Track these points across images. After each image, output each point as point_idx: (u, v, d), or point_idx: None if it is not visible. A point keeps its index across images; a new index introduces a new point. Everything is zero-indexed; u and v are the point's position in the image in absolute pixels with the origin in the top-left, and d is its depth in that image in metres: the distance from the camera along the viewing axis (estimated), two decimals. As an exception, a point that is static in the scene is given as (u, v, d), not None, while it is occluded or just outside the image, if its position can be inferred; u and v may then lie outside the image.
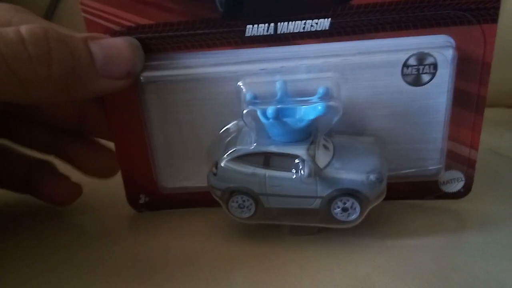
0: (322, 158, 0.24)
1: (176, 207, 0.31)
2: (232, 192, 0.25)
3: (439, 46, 0.26)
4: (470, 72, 0.27)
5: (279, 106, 0.24)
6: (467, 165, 0.29)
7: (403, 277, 0.23)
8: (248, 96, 0.25)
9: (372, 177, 0.24)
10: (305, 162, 0.24)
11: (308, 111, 0.24)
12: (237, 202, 0.25)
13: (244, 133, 0.26)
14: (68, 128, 0.30)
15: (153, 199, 0.31)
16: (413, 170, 0.29)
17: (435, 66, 0.27)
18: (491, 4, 0.25)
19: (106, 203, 0.32)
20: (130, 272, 0.25)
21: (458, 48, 0.26)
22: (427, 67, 0.27)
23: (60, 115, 0.30)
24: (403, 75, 0.27)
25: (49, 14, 0.55)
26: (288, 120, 0.24)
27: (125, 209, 0.31)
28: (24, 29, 0.22)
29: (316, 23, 0.26)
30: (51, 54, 0.22)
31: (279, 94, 0.26)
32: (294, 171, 0.24)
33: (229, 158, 0.25)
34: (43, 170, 0.31)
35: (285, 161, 0.24)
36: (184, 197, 0.30)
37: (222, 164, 0.25)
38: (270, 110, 0.23)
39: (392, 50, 0.26)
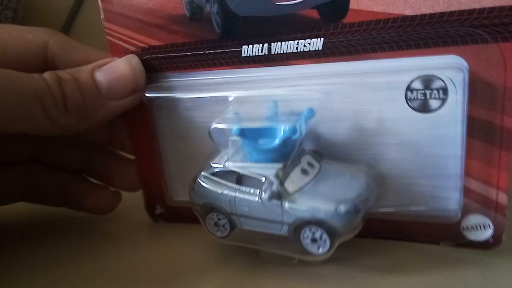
0: (294, 182, 0.23)
1: (187, 221, 0.32)
2: (208, 209, 0.25)
3: (448, 68, 0.23)
4: (489, 100, 0.23)
5: (245, 126, 0.23)
6: (495, 210, 0.24)
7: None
8: (229, 113, 0.25)
9: (341, 207, 0.22)
10: (268, 184, 0.23)
11: (276, 133, 0.23)
12: (213, 219, 0.25)
13: (229, 150, 0.26)
14: (98, 145, 0.33)
15: (166, 211, 0.32)
16: (425, 208, 0.25)
17: (444, 90, 0.23)
18: (509, 19, 0.21)
19: (131, 210, 0.34)
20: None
21: (471, 71, 0.23)
22: (435, 91, 0.23)
23: (92, 132, 0.32)
24: (408, 100, 0.24)
25: (66, 28, 0.61)
26: (258, 140, 0.24)
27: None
28: (47, 76, 0.26)
29: (309, 43, 0.25)
30: (65, 95, 0.26)
31: (269, 114, 0.25)
32: (257, 192, 0.23)
33: (205, 174, 0.25)
34: (79, 182, 0.33)
35: (255, 181, 0.23)
36: (191, 212, 0.31)
37: (198, 180, 0.25)
38: (235, 128, 0.23)
39: (393, 71, 0.24)
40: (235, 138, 0.24)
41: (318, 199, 0.22)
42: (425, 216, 0.26)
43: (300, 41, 0.25)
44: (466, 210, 0.25)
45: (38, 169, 0.32)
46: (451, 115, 0.24)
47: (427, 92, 0.24)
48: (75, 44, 0.30)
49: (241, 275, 0.25)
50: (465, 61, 0.23)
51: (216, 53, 0.27)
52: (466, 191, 0.25)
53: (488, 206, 0.24)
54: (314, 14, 0.24)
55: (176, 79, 0.28)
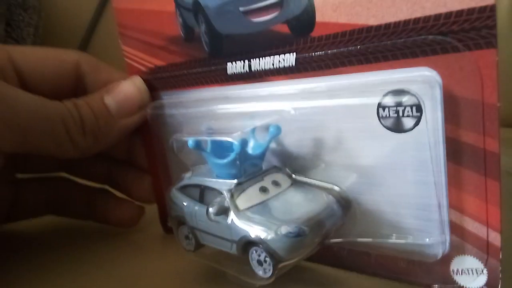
0: (248, 200, 0.22)
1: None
2: (179, 221, 0.25)
3: (418, 82, 0.20)
4: (467, 118, 0.19)
5: (200, 138, 0.23)
6: (487, 252, 0.20)
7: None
8: (202, 127, 0.26)
9: (282, 229, 0.20)
10: (220, 198, 0.22)
11: (230, 147, 0.23)
12: (183, 232, 0.25)
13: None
14: (120, 159, 0.35)
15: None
16: (403, 241, 0.22)
17: (418, 107, 0.20)
18: (480, 23, 0.18)
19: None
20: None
21: (445, 84, 0.20)
22: (408, 108, 0.21)
23: (113, 149, 0.34)
24: (380, 118, 0.22)
25: (83, 46, 0.63)
26: (215, 153, 0.23)
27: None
28: (67, 102, 0.28)
29: (284, 59, 0.24)
30: (83, 119, 0.28)
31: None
32: (207, 207, 0.23)
33: (176, 186, 0.25)
34: (104, 196, 0.34)
35: (212, 196, 0.23)
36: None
37: (170, 192, 0.26)
38: (190, 140, 0.23)
39: (364, 87, 0.22)
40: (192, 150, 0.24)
41: (262, 219, 0.21)
42: (406, 251, 0.22)
43: (275, 56, 0.24)
44: (453, 250, 0.21)
45: (65, 184, 0.35)
46: (429, 135, 0.21)
47: (399, 109, 0.21)
48: (102, 64, 0.33)
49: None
50: (437, 74, 0.20)
51: (207, 71, 0.27)
52: (452, 227, 0.21)
53: (478, 246, 0.20)
54: (286, 29, 0.24)
55: (175, 96, 0.30)
